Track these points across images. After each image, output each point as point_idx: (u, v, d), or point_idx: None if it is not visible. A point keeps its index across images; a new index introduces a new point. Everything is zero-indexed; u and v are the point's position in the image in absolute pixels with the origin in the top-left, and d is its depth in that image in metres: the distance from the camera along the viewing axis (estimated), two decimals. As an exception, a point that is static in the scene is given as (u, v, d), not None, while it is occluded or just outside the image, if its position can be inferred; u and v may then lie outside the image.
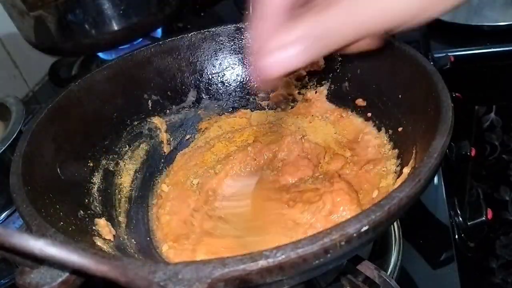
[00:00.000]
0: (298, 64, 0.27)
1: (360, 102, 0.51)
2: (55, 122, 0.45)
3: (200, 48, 0.58)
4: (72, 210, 0.41)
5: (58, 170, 0.42)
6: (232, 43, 0.59)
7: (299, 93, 0.58)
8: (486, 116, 0.88)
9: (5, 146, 0.54)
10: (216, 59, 0.59)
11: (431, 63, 0.40)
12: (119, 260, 0.27)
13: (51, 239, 0.30)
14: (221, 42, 0.59)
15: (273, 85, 0.28)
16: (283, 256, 0.24)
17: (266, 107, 0.60)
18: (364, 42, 0.28)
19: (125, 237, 0.45)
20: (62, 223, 0.36)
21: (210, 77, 0.59)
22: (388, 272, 0.46)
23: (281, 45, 0.27)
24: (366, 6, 0.25)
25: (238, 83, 0.60)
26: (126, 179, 0.52)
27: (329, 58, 0.55)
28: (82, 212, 0.42)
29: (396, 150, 0.45)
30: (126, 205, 0.50)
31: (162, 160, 0.56)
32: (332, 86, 0.55)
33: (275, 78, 0.28)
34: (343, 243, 0.25)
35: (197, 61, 0.59)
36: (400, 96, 0.45)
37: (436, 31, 0.85)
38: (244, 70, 0.60)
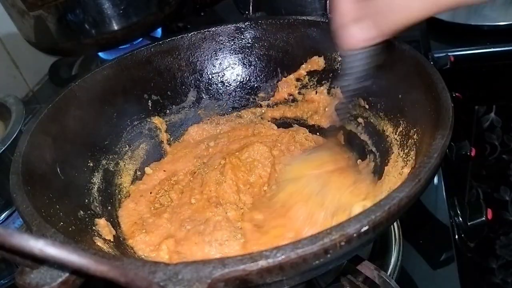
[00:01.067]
0: (368, 37, 0.32)
1: (360, 102, 0.51)
2: (55, 122, 0.45)
3: (200, 48, 0.58)
4: (72, 210, 0.41)
5: (58, 170, 0.42)
6: (232, 43, 0.59)
7: (299, 93, 0.59)
8: (486, 116, 0.88)
9: (5, 146, 0.54)
10: (216, 59, 0.59)
11: (431, 63, 0.39)
12: (119, 260, 0.27)
13: (51, 239, 0.30)
14: (221, 42, 0.59)
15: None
16: (283, 256, 0.24)
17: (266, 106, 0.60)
18: None
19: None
20: (62, 223, 0.36)
21: (210, 77, 0.59)
22: (388, 272, 0.46)
23: (355, 20, 0.31)
24: None
25: (238, 83, 0.60)
26: (126, 179, 0.52)
27: (329, 58, 0.55)
28: (82, 212, 0.42)
29: (396, 151, 0.44)
30: (126, 205, 0.50)
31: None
32: (332, 86, 0.55)
33: (357, 47, 0.33)
34: (343, 243, 0.25)
35: (197, 61, 0.59)
36: (400, 96, 0.45)
37: (436, 31, 0.85)
38: (244, 70, 0.60)
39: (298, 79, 0.58)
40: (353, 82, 0.38)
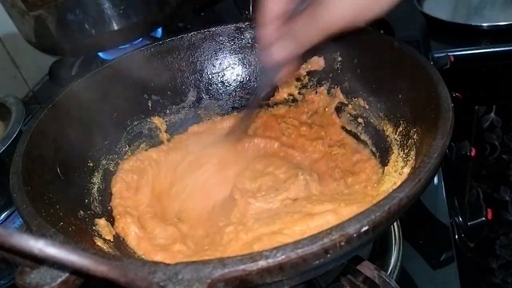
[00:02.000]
0: (286, 54, 0.39)
1: (360, 102, 0.51)
2: (55, 122, 0.45)
3: (200, 48, 0.58)
4: (72, 210, 0.41)
5: (58, 170, 0.42)
6: (232, 43, 0.59)
7: (299, 93, 0.58)
8: (486, 116, 0.88)
9: (5, 146, 0.54)
10: (216, 59, 0.59)
11: (431, 63, 0.40)
12: (119, 260, 0.27)
13: (51, 239, 0.30)
14: (221, 42, 0.59)
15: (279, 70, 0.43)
16: (283, 256, 0.24)
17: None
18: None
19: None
20: (62, 223, 0.36)
21: (210, 77, 0.59)
22: (388, 272, 0.46)
23: (274, 41, 0.39)
24: (322, 14, 0.35)
25: (238, 83, 0.60)
26: (126, 179, 0.52)
27: (329, 58, 0.55)
28: (82, 212, 0.42)
29: (396, 151, 0.44)
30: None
31: (162, 160, 0.56)
32: (333, 86, 0.55)
33: (277, 63, 0.41)
34: (343, 243, 0.25)
35: (197, 61, 0.59)
36: (400, 96, 0.45)
37: (436, 31, 0.85)
38: (244, 70, 0.60)
39: (298, 79, 0.58)
40: (268, 88, 0.47)
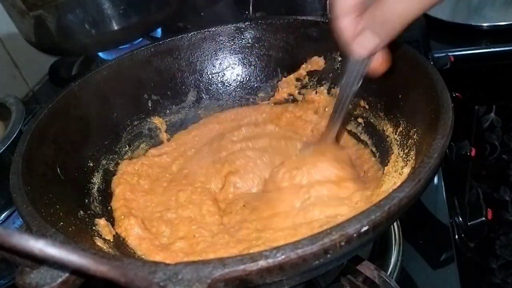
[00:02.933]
0: (374, 46, 0.36)
1: (360, 102, 0.51)
2: (55, 122, 0.45)
3: (200, 48, 0.58)
4: (72, 210, 0.41)
5: (58, 170, 0.42)
6: (232, 43, 0.59)
7: (299, 93, 0.58)
8: (486, 116, 0.88)
9: (5, 146, 0.54)
10: (216, 59, 0.59)
11: (431, 63, 0.40)
12: (119, 260, 0.27)
13: (51, 239, 0.30)
14: (221, 42, 0.59)
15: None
16: (283, 256, 0.24)
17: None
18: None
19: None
20: (62, 223, 0.36)
21: (210, 77, 0.59)
22: (388, 272, 0.46)
23: (359, 33, 0.36)
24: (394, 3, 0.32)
25: (238, 83, 0.60)
26: (126, 179, 0.52)
27: (329, 58, 0.55)
28: (82, 212, 0.42)
29: (396, 151, 0.44)
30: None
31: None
32: (333, 86, 0.55)
33: (366, 56, 0.37)
34: (343, 243, 0.25)
35: (197, 61, 0.59)
36: (400, 96, 0.45)
37: (436, 31, 0.85)
38: (244, 70, 0.60)
39: (298, 79, 0.58)
40: (359, 83, 0.42)
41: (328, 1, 0.36)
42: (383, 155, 0.47)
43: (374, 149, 0.49)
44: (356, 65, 0.39)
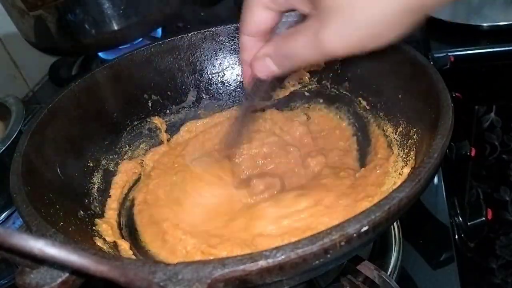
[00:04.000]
0: (273, 73, 0.36)
1: (360, 102, 0.51)
2: (55, 122, 0.45)
3: (200, 48, 0.58)
4: (72, 210, 0.41)
5: (58, 170, 0.42)
6: (232, 43, 0.59)
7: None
8: (486, 116, 0.88)
9: (5, 146, 0.54)
10: (216, 59, 0.59)
11: (431, 63, 0.40)
12: (119, 260, 0.27)
13: (51, 239, 0.30)
14: (221, 42, 0.59)
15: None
16: (283, 256, 0.24)
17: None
18: None
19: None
20: (62, 223, 0.36)
21: (210, 77, 0.59)
22: (388, 272, 0.46)
23: (260, 56, 0.36)
24: (324, 36, 0.30)
25: (238, 83, 0.60)
26: (126, 179, 0.52)
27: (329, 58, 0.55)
28: (82, 212, 0.42)
29: (396, 151, 0.44)
30: (126, 205, 0.50)
31: (162, 160, 0.56)
32: (333, 86, 0.55)
33: (263, 79, 0.37)
34: (343, 243, 0.25)
35: (197, 61, 0.59)
36: (400, 96, 0.45)
37: (436, 31, 0.85)
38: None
39: (298, 79, 0.58)
40: (255, 102, 0.44)
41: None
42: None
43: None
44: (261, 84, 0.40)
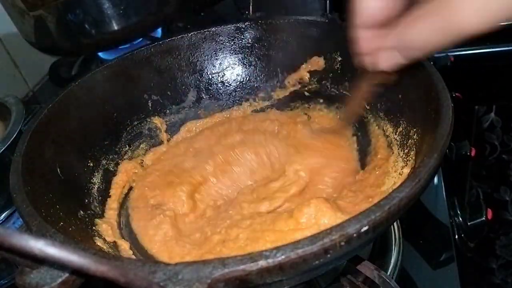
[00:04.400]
0: (393, 64, 0.34)
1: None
2: (55, 122, 0.45)
3: (200, 48, 0.58)
4: (72, 210, 0.41)
5: (58, 170, 0.42)
6: (232, 43, 0.59)
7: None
8: (486, 116, 0.88)
9: (5, 146, 0.54)
10: (216, 59, 0.59)
11: (431, 63, 0.40)
12: (119, 260, 0.27)
13: (51, 239, 0.30)
14: (221, 42, 0.59)
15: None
16: (283, 256, 0.24)
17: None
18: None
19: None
20: (62, 223, 0.36)
21: (210, 77, 0.59)
22: (388, 272, 0.46)
23: (385, 50, 0.33)
24: (453, 13, 0.27)
25: (238, 83, 0.60)
26: (126, 179, 0.52)
27: (329, 58, 0.55)
28: (82, 212, 0.42)
29: (396, 151, 0.44)
30: (126, 205, 0.50)
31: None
32: (333, 86, 0.55)
33: (380, 71, 0.35)
34: (343, 243, 0.25)
35: (197, 61, 0.59)
36: (400, 96, 0.45)
37: (436, 31, 0.84)
38: (244, 70, 0.60)
39: (298, 79, 0.58)
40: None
41: (348, 7, 0.32)
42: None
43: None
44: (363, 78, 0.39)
